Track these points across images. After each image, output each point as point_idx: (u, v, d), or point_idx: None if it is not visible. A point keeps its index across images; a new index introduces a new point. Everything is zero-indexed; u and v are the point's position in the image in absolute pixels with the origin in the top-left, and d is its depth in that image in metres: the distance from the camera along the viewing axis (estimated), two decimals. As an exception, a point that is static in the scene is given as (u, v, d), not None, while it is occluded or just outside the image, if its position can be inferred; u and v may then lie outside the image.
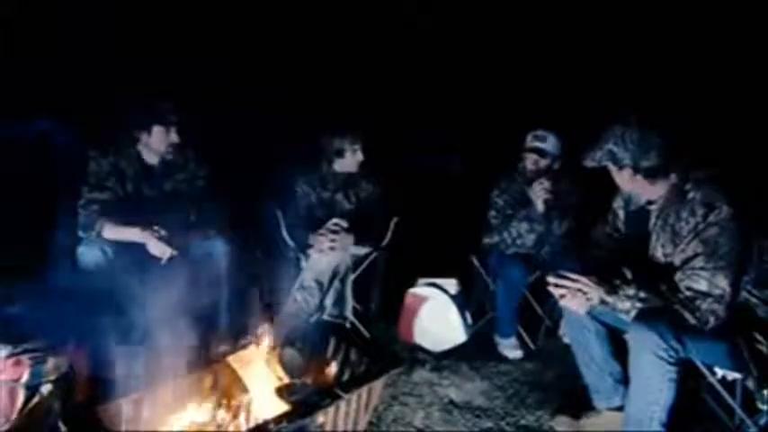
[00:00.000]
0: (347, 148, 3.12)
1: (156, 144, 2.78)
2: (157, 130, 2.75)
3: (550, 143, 3.08)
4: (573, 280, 2.09)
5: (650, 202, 2.19)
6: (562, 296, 2.12)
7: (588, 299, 2.07)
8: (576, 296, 2.09)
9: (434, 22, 5.04)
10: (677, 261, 2.06)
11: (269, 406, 2.02)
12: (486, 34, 4.86)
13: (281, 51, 4.60)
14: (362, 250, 3.13)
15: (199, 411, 2.05)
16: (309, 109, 4.24)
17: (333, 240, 2.93)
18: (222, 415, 2.07)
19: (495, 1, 4.85)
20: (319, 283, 2.91)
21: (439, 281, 3.23)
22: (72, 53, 3.75)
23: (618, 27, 4.46)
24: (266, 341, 2.24)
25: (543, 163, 3.07)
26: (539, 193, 3.01)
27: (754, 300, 2.05)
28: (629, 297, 2.01)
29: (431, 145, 4.52)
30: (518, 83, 4.60)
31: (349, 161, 3.15)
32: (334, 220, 3.00)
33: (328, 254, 2.93)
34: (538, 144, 3.09)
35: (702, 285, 1.96)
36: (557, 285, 2.13)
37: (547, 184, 2.99)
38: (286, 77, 4.57)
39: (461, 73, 4.87)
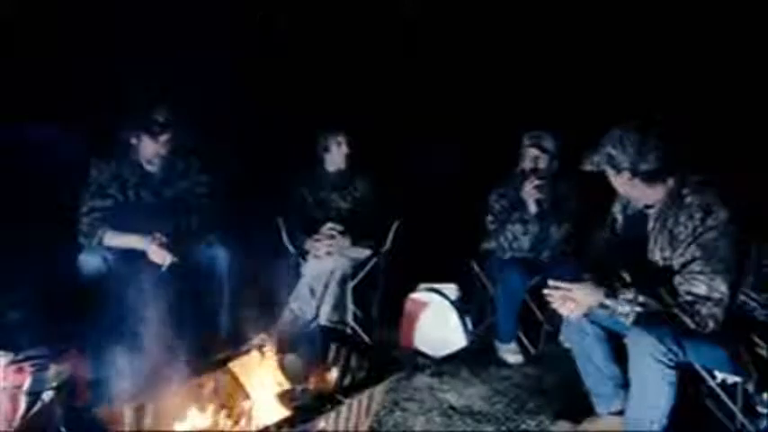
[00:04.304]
0: (331, 141, 3.15)
1: (144, 152, 2.77)
2: (145, 138, 2.72)
3: (548, 141, 3.10)
4: (566, 289, 2.10)
5: (648, 206, 2.19)
6: (552, 301, 2.14)
7: (578, 305, 2.08)
8: (565, 302, 2.09)
9: (434, 24, 5.05)
10: (676, 265, 2.06)
11: (270, 411, 2.02)
12: (486, 39, 4.87)
13: (282, 55, 4.61)
14: (363, 254, 3.15)
15: (200, 417, 2.05)
16: (308, 111, 4.25)
17: (329, 245, 2.95)
18: (223, 421, 2.07)
19: (495, 4, 4.88)
20: (313, 291, 2.92)
21: (439, 286, 3.25)
22: (72, 54, 3.76)
23: (616, 30, 4.47)
24: (267, 347, 2.25)
25: (543, 161, 3.07)
26: (530, 192, 3.03)
27: (752, 303, 2.05)
28: (628, 301, 2.01)
29: (431, 149, 4.53)
30: (517, 87, 4.61)
31: (335, 155, 3.17)
32: (329, 225, 3.03)
33: (325, 259, 2.95)
34: (536, 140, 3.09)
35: (701, 289, 1.96)
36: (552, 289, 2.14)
37: (538, 182, 3.00)
38: (286, 81, 4.58)
39: (461, 76, 4.88)
